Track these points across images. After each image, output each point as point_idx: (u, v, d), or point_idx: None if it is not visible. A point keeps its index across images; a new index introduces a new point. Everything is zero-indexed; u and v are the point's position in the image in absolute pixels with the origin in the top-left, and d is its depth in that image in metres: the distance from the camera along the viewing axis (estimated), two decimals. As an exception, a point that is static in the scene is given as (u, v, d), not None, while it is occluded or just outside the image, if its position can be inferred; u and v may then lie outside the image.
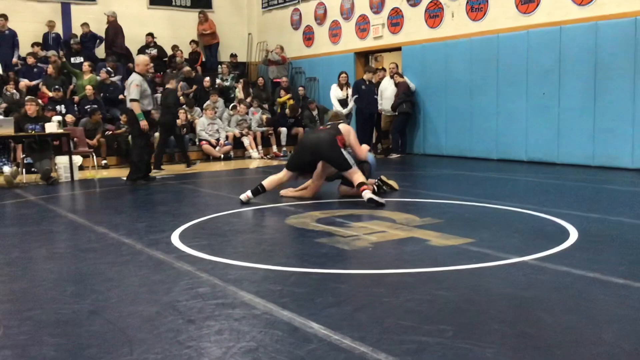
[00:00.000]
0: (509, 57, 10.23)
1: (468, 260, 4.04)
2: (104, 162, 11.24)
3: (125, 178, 8.82)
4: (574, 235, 4.68)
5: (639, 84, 8.61)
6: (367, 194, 6.24)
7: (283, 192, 7.10)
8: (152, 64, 8.93)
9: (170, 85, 10.92)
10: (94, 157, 10.65)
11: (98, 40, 13.92)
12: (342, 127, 6.93)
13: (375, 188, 6.87)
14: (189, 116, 12.41)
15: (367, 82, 12.04)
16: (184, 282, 3.69)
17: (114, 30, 13.83)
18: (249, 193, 6.63)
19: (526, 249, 4.26)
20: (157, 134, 10.97)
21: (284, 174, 6.87)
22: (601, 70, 9.03)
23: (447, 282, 3.63)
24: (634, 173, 8.51)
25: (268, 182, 6.76)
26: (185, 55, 14.74)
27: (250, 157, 12.42)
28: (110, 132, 11.69)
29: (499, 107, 10.52)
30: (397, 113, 11.88)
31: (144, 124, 8.47)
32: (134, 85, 8.34)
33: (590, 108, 9.19)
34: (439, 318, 3.01)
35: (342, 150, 6.61)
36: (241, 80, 14.39)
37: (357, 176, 6.52)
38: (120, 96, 12.55)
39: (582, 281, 3.57)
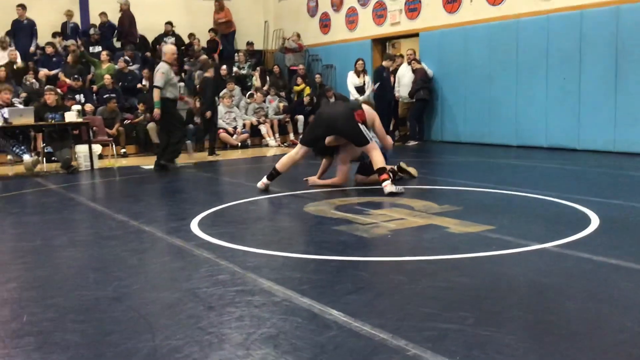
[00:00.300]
0: (529, 43, 10.11)
1: (488, 248, 4.01)
2: (122, 150, 11.33)
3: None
4: (595, 221, 4.63)
5: (662, 69, 8.47)
6: (387, 188, 6.12)
7: (311, 180, 7.00)
8: (172, 53, 8.96)
9: (208, 74, 10.92)
10: (113, 145, 10.73)
11: (116, 30, 13.98)
12: (366, 108, 6.75)
13: (391, 175, 6.68)
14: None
15: (388, 70, 11.98)
16: (204, 269, 3.71)
17: (128, 19, 13.87)
18: (264, 180, 6.58)
19: (547, 236, 4.23)
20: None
21: (296, 151, 6.74)
22: (622, 55, 8.89)
23: (467, 269, 3.61)
24: (657, 159, 8.39)
25: (281, 164, 6.64)
26: (203, 44, 14.75)
27: (267, 145, 12.43)
28: (129, 120, 11.77)
29: (518, 93, 10.40)
30: (414, 100, 11.81)
31: (156, 112, 8.61)
32: (160, 73, 8.55)
33: (612, 93, 9.06)
34: (460, 305, 3.00)
35: (360, 124, 6.43)
36: (258, 68, 14.38)
37: (377, 156, 6.37)
38: (139, 85, 12.63)
39: (604, 268, 3.53)
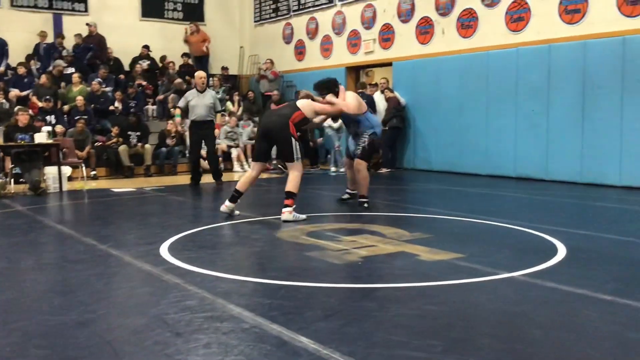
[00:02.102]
0: (499, 74, 10.33)
1: (457, 275, 4.05)
2: (93, 173, 11.19)
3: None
4: (562, 251, 4.71)
5: (626, 102, 8.71)
6: (284, 216, 6.11)
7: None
8: (203, 78, 9.71)
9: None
10: (83, 168, 10.59)
11: (90, 52, 13.88)
12: (301, 102, 6.58)
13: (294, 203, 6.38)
14: (179, 128, 12.39)
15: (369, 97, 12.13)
16: (172, 294, 3.67)
17: (97, 41, 13.80)
18: (227, 203, 6.53)
19: (515, 265, 4.28)
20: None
21: (252, 168, 6.72)
22: (589, 88, 9.13)
23: (436, 297, 3.63)
24: (622, 190, 8.58)
25: (240, 184, 6.58)
26: (177, 68, 14.75)
27: (231, 170, 12.35)
28: (101, 143, 11.66)
29: (489, 123, 10.59)
30: (387, 128, 11.93)
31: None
32: (183, 97, 9.81)
33: (579, 125, 9.28)
34: (429, 333, 3.01)
35: (293, 139, 6.26)
36: (236, 94, 14.46)
37: (293, 179, 6.25)
38: (111, 107, 12.54)
39: (571, 297, 3.58)
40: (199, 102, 9.49)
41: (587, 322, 3.16)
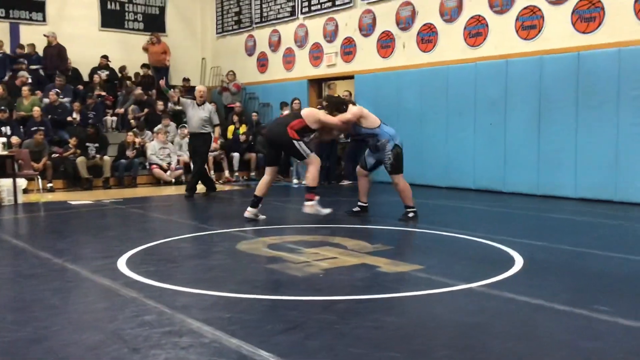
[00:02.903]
0: (458, 88, 10.51)
1: (417, 287, 4.08)
2: (49, 185, 10.95)
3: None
4: (519, 262, 4.79)
5: (581, 116, 8.96)
6: (306, 209, 6.63)
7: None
8: (203, 92, 9.91)
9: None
10: (39, 180, 10.36)
11: (40, 64, 13.59)
12: (305, 111, 7.00)
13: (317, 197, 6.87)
14: (139, 139, 12.25)
15: None
16: (129, 309, 3.60)
17: (56, 51, 13.55)
18: (249, 209, 6.89)
19: (473, 276, 4.34)
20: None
21: (265, 173, 7.03)
22: (545, 102, 9.37)
23: (396, 308, 3.66)
24: (577, 202, 8.80)
25: (258, 189, 6.95)
26: (136, 79, 14.61)
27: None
28: (58, 154, 11.43)
29: (448, 136, 10.75)
30: (349, 140, 11.99)
31: None
32: (184, 102, 10.00)
33: (535, 138, 9.50)
34: (389, 345, 3.02)
35: (294, 141, 6.64)
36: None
37: (311, 173, 6.70)
38: (69, 118, 12.31)
39: (527, 308, 3.65)
40: (195, 114, 9.72)
41: (542, 332, 3.22)
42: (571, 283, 4.29)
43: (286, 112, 10.20)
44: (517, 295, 3.86)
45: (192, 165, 10.71)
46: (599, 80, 8.73)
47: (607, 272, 4.58)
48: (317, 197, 6.78)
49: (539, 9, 9.51)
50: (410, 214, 7.05)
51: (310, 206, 6.70)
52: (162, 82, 10.38)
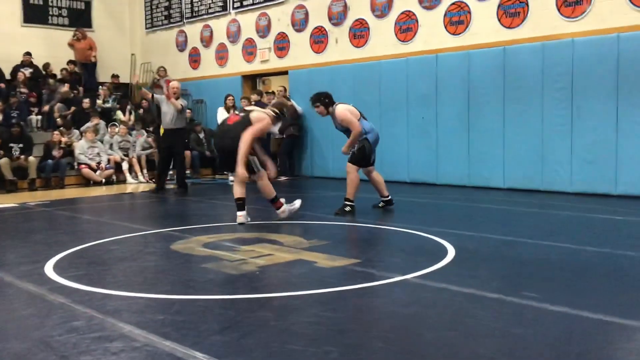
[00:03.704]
0: (390, 83, 10.65)
1: (353, 281, 4.10)
2: (-30, 188, 10.41)
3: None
4: (451, 252, 4.90)
5: (508, 109, 9.25)
6: (282, 215, 6.64)
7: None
8: (177, 88, 9.90)
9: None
10: (-41, 183, 9.84)
11: None
12: (255, 115, 6.54)
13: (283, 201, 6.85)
14: (65, 139, 11.82)
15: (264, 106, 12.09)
16: (57, 315, 3.46)
17: None
18: (238, 213, 6.52)
19: (407, 267, 4.40)
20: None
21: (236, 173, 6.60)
22: (474, 96, 9.62)
23: (333, 303, 3.66)
24: (505, 192, 9.09)
25: (235, 192, 6.61)
26: (63, 75, 14.09)
27: (125, 182, 11.94)
28: (-22, 156, 10.88)
29: (382, 131, 10.78)
30: (284, 136, 11.97)
31: None
32: (157, 98, 10.19)
33: (465, 132, 9.75)
34: (325, 340, 3.02)
35: (249, 156, 6.48)
36: (129, 103, 13.98)
37: (265, 187, 6.64)
38: (-10, 118, 11.75)
39: (459, 297, 3.73)
40: (169, 110, 9.80)
41: (474, 320, 3.30)
42: (501, 271, 4.42)
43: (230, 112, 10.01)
44: (449, 285, 3.94)
45: (156, 161, 11.10)
46: (524, 74, 9.03)
47: (536, 259, 4.74)
48: (282, 200, 6.78)
49: (466, 5, 9.74)
50: (347, 208, 7.08)
51: (282, 211, 6.72)
52: (135, 77, 10.55)
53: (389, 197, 7.54)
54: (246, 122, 6.44)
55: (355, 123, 7.05)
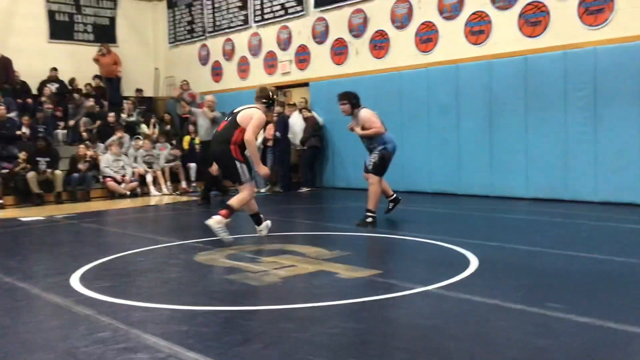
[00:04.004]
0: (411, 93, 10.64)
1: (375, 292, 4.10)
2: (-1, 201, 10.62)
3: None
4: (474, 263, 4.87)
5: (530, 118, 9.19)
6: (211, 221, 5.92)
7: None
8: (213, 101, 10.35)
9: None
10: (-12, 196, 10.04)
11: None
12: (243, 114, 6.15)
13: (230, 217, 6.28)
14: (91, 152, 12.01)
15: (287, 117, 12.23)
16: (83, 327, 3.52)
17: (1, 65, 13.17)
18: (261, 226, 6.38)
19: (430, 279, 4.39)
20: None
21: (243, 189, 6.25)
22: (495, 105, 9.57)
23: (355, 314, 3.66)
24: (529, 202, 9.01)
25: (248, 210, 6.41)
26: (91, 90, 14.35)
27: (148, 194, 12.07)
28: (7, 170, 11.10)
29: (403, 141, 10.81)
30: (305, 147, 12.02)
31: None
32: (194, 112, 10.78)
33: (487, 141, 9.70)
34: (348, 351, 3.03)
35: (237, 162, 6.07)
36: (153, 117, 14.17)
37: (241, 197, 6.11)
38: (18, 132, 11.98)
39: (482, 308, 3.71)
40: (204, 123, 10.18)
41: (497, 332, 3.28)
42: (525, 282, 4.38)
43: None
44: (472, 296, 3.92)
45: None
46: (546, 83, 8.97)
47: (560, 270, 4.69)
48: (227, 219, 6.03)
49: (487, 14, 9.73)
50: (369, 219, 7.04)
51: (216, 222, 5.94)
52: (177, 90, 11.20)
53: (394, 195, 7.55)
54: (233, 125, 6.13)
55: (378, 124, 7.09)
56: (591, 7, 8.64)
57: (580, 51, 8.66)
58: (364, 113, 7.15)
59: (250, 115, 6.12)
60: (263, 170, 6.40)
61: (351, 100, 7.18)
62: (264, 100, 6.35)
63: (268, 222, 6.53)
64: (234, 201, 6.13)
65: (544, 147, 9.07)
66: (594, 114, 8.56)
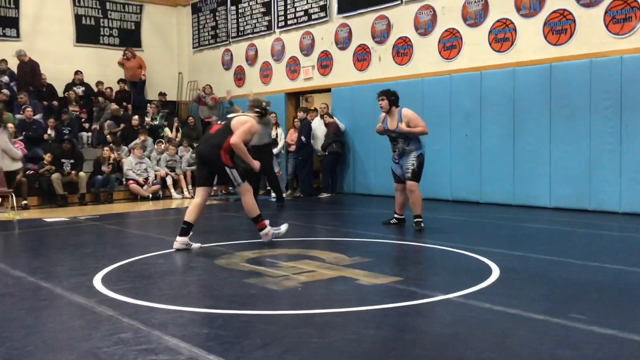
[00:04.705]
0: (434, 100, 10.60)
1: (395, 299, 4.09)
2: (24, 202, 10.78)
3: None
4: (495, 272, 4.83)
5: (555, 127, 9.09)
6: (265, 238, 6.23)
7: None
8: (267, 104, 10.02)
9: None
10: (14, 197, 10.20)
11: (15, 80, 13.38)
12: (235, 120, 6.24)
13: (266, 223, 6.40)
14: (115, 155, 12.15)
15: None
16: (105, 327, 3.55)
17: (30, 68, 13.39)
18: (178, 238, 6.12)
19: (451, 287, 4.36)
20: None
21: (196, 194, 6.38)
22: (519, 113, 9.50)
23: (374, 321, 3.65)
24: (552, 212, 8.91)
25: (188, 214, 6.20)
26: (113, 94, 14.53)
27: (171, 197, 12.17)
28: (33, 171, 11.27)
29: (425, 148, 10.80)
30: (327, 153, 12.03)
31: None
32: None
33: (510, 149, 9.62)
34: (367, 357, 3.02)
35: (227, 167, 6.10)
36: (176, 120, 14.30)
37: (247, 204, 6.20)
38: (45, 135, 12.17)
39: (504, 318, 3.67)
40: (259, 130, 10.32)
41: (519, 342, 3.24)
42: (547, 292, 4.33)
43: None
44: (494, 305, 3.89)
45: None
46: (571, 91, 8.88)
47: (583, 280, 4.63)
48: (266, 222, 6.32)
49: (512, 22, 9.67)
50: (422, 223, 7.11)
51: (266, 234, 6.29)
52: (229, 94, 11.17)
53: (403, 217, 7.50)
54: (227, 130, 6.18)
55: (423, 123, 7.11)
56: (618, 16, 8.54)
57: (606, 60, 8.56)
58: (409, 111, 7.18)
59: (243, 123, 6.22)
60: (255, 164, 6.38)
61: (390, 97, 7.21)
62: (257, 110, 6.50)
63: (196, 245, 6.30)
64: (249, 212, 6.28)
65: (568, 156, 8.97)
66: (619, 124, 8.45)
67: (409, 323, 3.62)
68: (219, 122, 6.53)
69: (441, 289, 4.29)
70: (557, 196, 9.14)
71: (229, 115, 6.51)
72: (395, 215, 7.57)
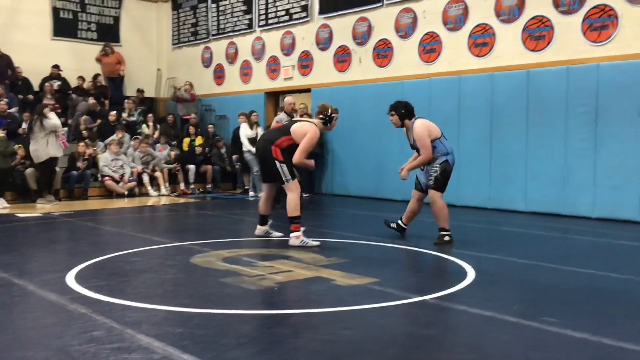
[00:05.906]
0: (413, 103, 10.48)
1: (371, 300, 4.10)
2: (-4, 197, 10.57)
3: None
4: (471, 275, 4.86)
5: (531, 131, 9.20)
6: (292, 241, 6.17)
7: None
8: (294, 103, 10.35)
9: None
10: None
11: None
12: (296, 126, 6.33)
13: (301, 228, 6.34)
14: (90, 150, 11.99)
15: None
16: (77, 325, 3.50)
17: (5, 62, 13.16)
18: (258, 226, 6.66)
19: (426, 288, 4.38)
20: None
21: (262, 190, 6.75)
22: (497, 117, 9.59)
23: (350, 321, 3.66)
24: (527, 215, 9.01)
25: (260, 209, 6.68)
26: (93, 88, 14.35)
27: (147, 195, 12.06)
28: (5, 165, 11.06)
29: (403, 150, 10.80)
30: (305, 153, 12.00)
31: None
32: (275, 122, 9.93)
33: (487, 153, 9.71)
34: (342, 358, 3.02)
35: (277, 162, 6.19)
36: (150, 116, 14.14)
37: (290, 200, 6.20)
38: (20, 130, 11.97)
39: (478, 320, 3.70)
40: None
41: (493, 344, 3.27)
42: (522, 295, 4.37)
43: (278, 119, 9.96)
44: (469, 307, 3.91)
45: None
46: (548, 97, 8.99)
47: (557, 284, 4.69)
48: (302, 228, 6.24)
49: (491, 27, 9.76)
50: (446, 237, 6.38)
51: (296, 237, 6.18)
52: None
53: (405, 228, 7.05)
54: (284, 131, 6.36)
55: (428, 147, 6.43)
56: (595, 24, 8.67)
57: (582, 67, 8.68)
58: (419, 128, 6.49)
59: (306, 130, 6.30)
60: (310, 163, 6.58)
61: (399, 110, 6.63)
62: (322, 117, 6.56)
63: (277, 234, 6.72)
64: (290, 210, 6.23)
65: (543, 161, 9.08)
66: (594, 130, 8.58)
67: (384, 324, 3.63)
68: (277, 121, 6.73)
69: (417, 291, 4.31)
70: (532, 200, 9.24)
71: (295, 118, 6.61)
72: (398, 222, 7.04)
